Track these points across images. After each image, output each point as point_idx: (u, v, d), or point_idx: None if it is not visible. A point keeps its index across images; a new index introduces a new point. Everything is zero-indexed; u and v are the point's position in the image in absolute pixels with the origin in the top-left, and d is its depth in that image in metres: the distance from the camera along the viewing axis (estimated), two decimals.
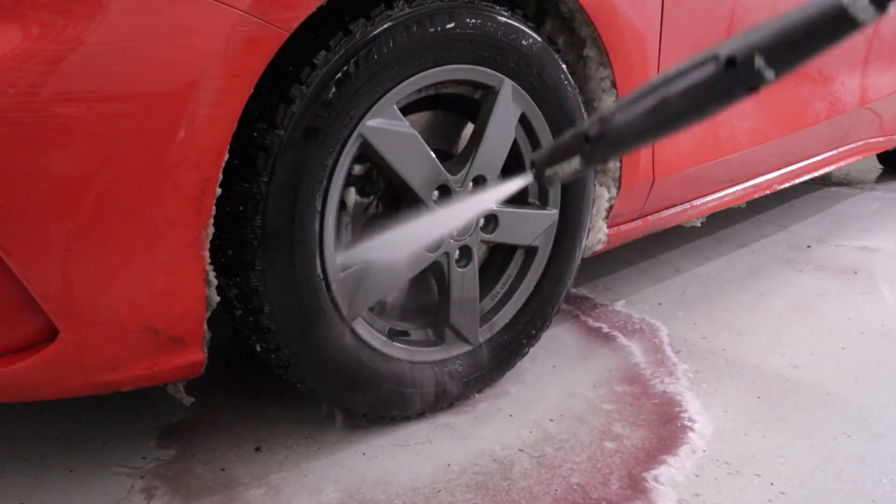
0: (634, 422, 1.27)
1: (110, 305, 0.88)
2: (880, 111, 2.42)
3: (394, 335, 1.22)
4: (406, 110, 1.12)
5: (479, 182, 1.20)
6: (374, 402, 1.20)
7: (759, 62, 0.63)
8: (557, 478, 1.12)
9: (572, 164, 0.83)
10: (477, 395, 1.35)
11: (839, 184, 3.05)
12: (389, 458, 1.17)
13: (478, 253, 1.25)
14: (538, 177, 0.88)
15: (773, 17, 0.64)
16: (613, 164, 1.45)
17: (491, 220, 1.25)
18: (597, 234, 1.50)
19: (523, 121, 1.25)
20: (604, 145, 0.79)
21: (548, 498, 1.08)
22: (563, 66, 1.27)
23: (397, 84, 1.06)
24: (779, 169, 2.07)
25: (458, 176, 1.17)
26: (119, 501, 1.06)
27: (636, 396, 1.36)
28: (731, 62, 0.65)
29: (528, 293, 1.37)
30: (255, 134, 0.97)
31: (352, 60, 1.00)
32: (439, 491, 1.09)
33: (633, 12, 1.34)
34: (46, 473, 1.13)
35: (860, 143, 2.47)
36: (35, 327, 0.87)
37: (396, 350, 1.20)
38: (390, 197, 1.19)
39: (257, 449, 1.20)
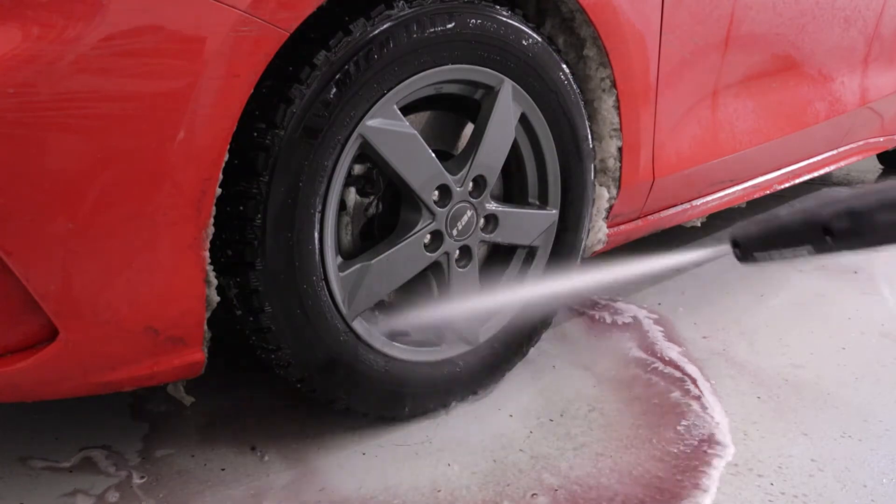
0: (634, 421, 1.27)
1: (110, 305, 0.88)
2: (880, 111, 2.42)
3: (394, 335, 1.22)
4: (406, 110, 1.12)
5: (479, 182, 1.21)
6: (375, 402, 1.20)
7: None
8: (557, 476, 1.12)
9: (796, 252, 0.73)
10: (477, 395, 1.35)
11: (839, 184, 3.05)
12: (389, 459, 1.17)
13: (478, 253, 1.25)
14: (743, 258, 0.77)
15: None
16: (614, 164, 1.45)
17: (491, 219, 1.25)
18: (597, 234, 1.50)
19: (523, 121, 1.25)
20: (853, 241, 0.70)
21: (548, 497, 1.08)
22: (564, 66, 1.27)
23: (397, 84, 1.06)
24: (779, 169, 2.07)
25: (458, 176, 1.17)
26: (118, 501, 1.06)
27: (636, 396, 1.36)
28: None
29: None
30: (255, 134, 0.97)
31: (352, 60, 1.00)
32: (439, 491, 1.09)
33: (633, 12, 1.34)
34: (46, 473, 1.13)
35: (860, 143, 2.47)
36: (35, 327, 0.87)
37: (396, 350, 1.20)
38: (390, 197, 1.19)
39: (256, 449, 1.20)
